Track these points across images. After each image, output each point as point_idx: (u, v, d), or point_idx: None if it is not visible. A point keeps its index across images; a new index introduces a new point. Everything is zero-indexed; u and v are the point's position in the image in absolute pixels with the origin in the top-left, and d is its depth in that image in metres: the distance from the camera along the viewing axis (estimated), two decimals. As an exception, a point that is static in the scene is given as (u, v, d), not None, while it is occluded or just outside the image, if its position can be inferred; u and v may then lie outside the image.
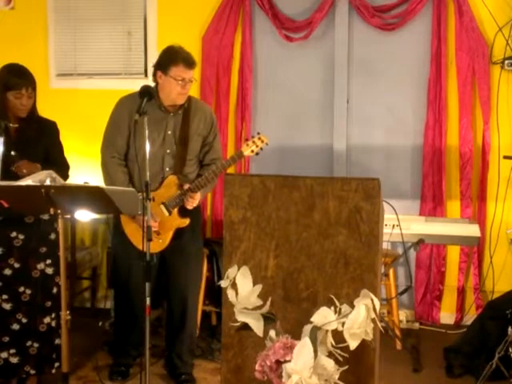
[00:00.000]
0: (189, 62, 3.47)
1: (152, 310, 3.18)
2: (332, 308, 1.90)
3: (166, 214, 3.53)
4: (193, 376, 3.79)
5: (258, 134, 3.63)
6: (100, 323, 4.43)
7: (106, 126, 3.61)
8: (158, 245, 3.53)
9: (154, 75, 3.52)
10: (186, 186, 3.51)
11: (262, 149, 3.59)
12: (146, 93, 3.19)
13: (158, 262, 3.61)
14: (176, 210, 3.54)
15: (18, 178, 3.23)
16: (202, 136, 3.62)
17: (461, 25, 4.57)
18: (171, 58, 3.46)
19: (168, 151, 3.54)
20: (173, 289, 3.72)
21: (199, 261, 3.89)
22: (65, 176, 3.46)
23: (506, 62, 4.52)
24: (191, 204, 3.53)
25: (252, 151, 3.57)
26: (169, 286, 3.74)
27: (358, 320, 1.85)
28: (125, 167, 3.57)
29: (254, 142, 3.57)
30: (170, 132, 3.54)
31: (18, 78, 3.37)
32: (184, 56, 3.48)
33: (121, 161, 3.56)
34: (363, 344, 1.89)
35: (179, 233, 3.57)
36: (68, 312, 3.15)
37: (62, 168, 3.50)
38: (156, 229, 3.48)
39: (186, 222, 3.57)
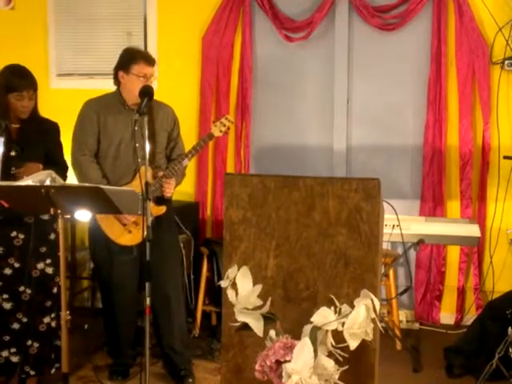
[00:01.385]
0: (148, 59, 3.61)
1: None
2: (332, 308, 1.90)
3: None
4: (192, 371, 3.79)
5: (224, 115, 3.90)
6: (86, 326, 4.42)
7: (73, 127, 3.69)
8: (138, 236, 3.56)
9: (116, 77, 3.65)
10: (161, 173, 3.61)
11: (229, 128, 3.81)
12: (147, 93, 3.23)
13: (139, 256, 3.62)
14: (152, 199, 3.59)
15: (17, 180, 3.24)
16: (167, 131, 3.75)
17: (461, 25, 4.57)
18: (131, 56, 3.60)
19: (137, 145, 3.59)
20: (154, 286, 3.71)
21: (177, 253, 3.92)
22: (64, 177, 3.46)
23: (506, 62, 4.52)
24: (169, 190, 3.62)
25: (220, 131, 3.76)
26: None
27: (357, 320, 1.85)
28: (97, 164, 3.64)
29: (221, 122, 3.77)
30: (136, 128, 3.59)
31: (20, 79, 3.38)
32: (143, 54, 3.68)
33: (92, 158, 3.64)
34: (363, 344, 1.89)
35: (156, 225, 3.57)
36: (68, 312, 3.15)
37: (62, 169, 3.50)
38: (134, 219, 3.54)
39: (163, 208, 3.64)
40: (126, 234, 3.61)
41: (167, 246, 3.69)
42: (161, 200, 3.63)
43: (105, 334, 3.94)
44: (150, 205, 3.51)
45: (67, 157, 3.68)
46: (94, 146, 3.64)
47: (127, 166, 3.60)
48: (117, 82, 3.66)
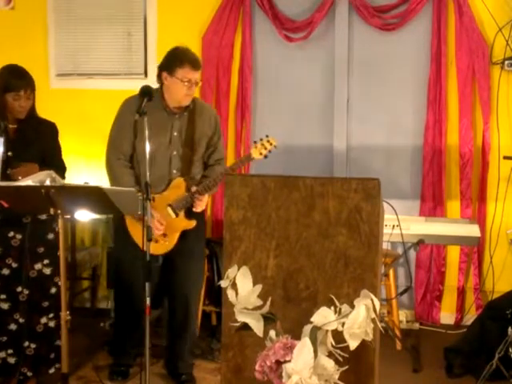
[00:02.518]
0: (195, 64, 3.44)
1: (152, 310, 3.18)
2: (332, 308, 1.90)
3: (173, 215, 3.52)
4: (193, 376, 3.79)
5: (267, 136, 3.57)
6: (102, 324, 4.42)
7: (111, 127, 3.59)
8: (165, 246, 3.53)
9: (159, 76, 3.50)
10: (194, 189, 3.49)
11: (270, 151, 3.56)
12: (146, 93, 3.16)
13: (162, 263, 3.61)
14: (182, 212, 3.54)
15: (14, 180, 3.24)
16: (207, 137, 3.61)
17: (461, 25, 4.57)
18: (177, 59, 3.44)
19: (175, 153, 3.53)
20: (176, 290, 3.71)
21: (202, 262, 3.89)
22: (62, 178, 3.45)
23: (506, 62, 4.52)
24: (200, 207, 3.53)
25: (261, 154, 3.53)
26: (172, 287, 3.73)
27: (357, 320, 1.86)
28: (131, 169, 3.55)
29: (262, 144, 3.53)
30: (176, 133, 3.53)
31: (17, 79, 3.37)
32: (190, 57, 3.46)
33: (127, 162, 3.54)
34: (363, 344, 1.89)
35: (185, 234, 3.57)
36: (68, 312, 3.15)
37: (59, 169, 3.48)
38: (162, 231, 3.48)
39: (193, 223, 3.56)
40: (153, 242, 3.53)
41: (194, 257, 3.65)
42: (191, 213, 3.54)
43: (107, 334, 3.94)
44: (181, 218, 3.51)
45: (69, 156, 3.66)
46: (129, 150, 3.51)
47: (162, 174, 3.49)
48: (159, 81, 3.51)
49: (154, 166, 3.36)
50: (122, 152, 3.53)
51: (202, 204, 3.53)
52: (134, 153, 3.52)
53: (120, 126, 3.53)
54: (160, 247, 3.52)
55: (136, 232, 3.53)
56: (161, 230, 3.46)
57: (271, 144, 3.54)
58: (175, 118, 3.54)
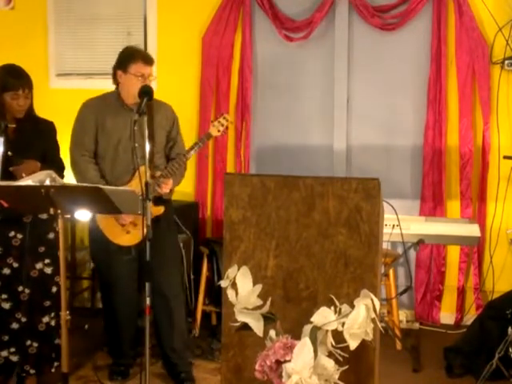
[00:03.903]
0: (147, 59, 3.59)
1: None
2: (332, 308, 1.90)
3: None
4: (192, 375, 3.78)
5: (222, 114, 3.86)
6: (86, 326, 4.41)
7: (72, 127, 3.68)
8: (137, 236, 3.55)
9: (114, 76, 3.64)
10: (158, 173, 3.60)
11: (227, 127, 3.80)
12: (146, 93, 3.21)
13: (137, 256, 3.61)
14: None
15: (16, 178, 3.24)
16: (166, 131, 3.73)
17: (461, 25, 4.57)
18: (130, 56, 3.59)
19: (137, 145, 3.58)
20: (153, 286, 3.70)
21: (176, 252, 3.93)
22: (61, 176, 3.45)
23: (506, 62, 4.52)
24: (165, 188, 3.60)
25: (218, 131, 3.77)
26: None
27: (358, 320, 1.85)
28: (95, 164, 3.64)
29: (219, 121, 3.78)
30: (136, 127, 3.58)
31: (15, 78, 3.38)
32: (142, 53, 3.66)
33: (91, 158, 3.64)
34: (363, 344, 1.89)
35: (155, 224, 3.56)
36: (68, 312, 3.15)
37: (59, 168, 3.49)
38: (132, 219, 3.54)
39: (161, 209, 3.63)
40: (124, 234, 3.61)
41: (166, 246, 3.68)
42: (159, 200, 3.62)
43: (105, 335, 3.93)
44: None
45: (65, 157, 3.68)
46: (92, 146, 3.63)
47: (126, 166, 3.59)
48: (115, 81, 3.65)
49: (117, 159, 3.58)
50: (86, 148, 3.63)
51: (167, 186, 3.61)
52: (97, 149, 3.63)
53: (82, 124, 3.65)
54: (132, 237, 3.57)
55: (105, 225, 3.59)
56: (130, 217, 3.52)
57: (227, 120, 3.80)
58: (134, 113, 3.58)
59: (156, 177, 3.58)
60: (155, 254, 3.59)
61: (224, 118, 3.79)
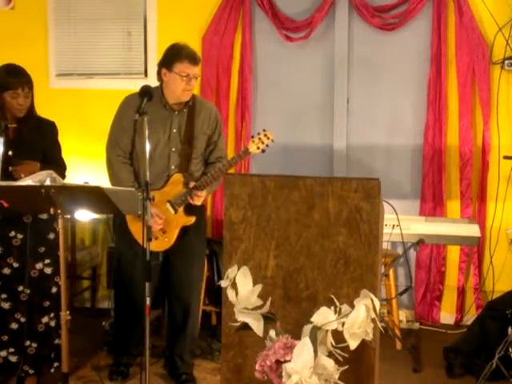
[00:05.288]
0: (193, 58, 3.46)
1: (152, 310, 3.18)
2: (332, 308, 1.90)
3: (172, 212, 3.52)
4: (193, 376, 3.78)
5: (264, 130, 3.59)
6: (104, 323, 4.41)
7: (110, 125, 3.61)
8: (164, 243, 3.53)
9: (159, 73, 3.53)
10: (192, 184, 3.50)
11: (267, 145, 3.56)
12: (146, 93, 3.17)
13: (162, 261, 3.61)
14: (182, 208, 3.54)
15: (16, 178, 3.25)
16: (207, 135, 3.62)
17: (461, 25, 4.57)
18: (175, 54, 3.46)
19: (173, 149, 3.54)
20: (176, 289, 3.71)
21: (202, 260, 3.88)
22: (62, 176, 3.44)
23: (506, 62, 4.52)
24: (197, 200, 3.52)
25: (258, 148, 3.54)
26: (171, 286, 3.72)
27: (357, 320, 1.85)
28: (130, 166, 3.57)
29: (259, 138, 3.55)
30: (175, 130, 3.54)
31: (14, 77, 3.37)
32: (188, 52, 3.48)
33: (126, 159, 3.56)
34: (363, 344, 1.89)
35: (184, 231, 3.57)
36: (68, 312, 3.15)
37: (59, 168, 3.48)
38: (161, 227, 3.48)
39: (192, 219, 3.56)
40: (153, 240, 3.53)
41: (194, 255, 3.65)
42: (190, 208, 3.54)
43: (108, 333, 3.93)
44: (180, 214, 3.51)
45: (69, 156, 3.66)
46: (129, 146, 3.53)
47: (161, 171, 3.50)
48: (159, 78, 3.53)
49: (152, 162, 3.36)
50: (122, 149, 3.55)
51: (199, 199, 3.53)
52: (134, 150, 3.54)
53: (120, 123, 3.55)
54: (160, 244, 3.52)
55: (136, 229, 3.53)
56: (159, 224, 3.46)
57: (268, 138, 3.55)
58: (175, 114, 3.55)
59: (189, 187, 3.49)
60: (182, 261, 3.60)
61: (265, 135, 3.55)
